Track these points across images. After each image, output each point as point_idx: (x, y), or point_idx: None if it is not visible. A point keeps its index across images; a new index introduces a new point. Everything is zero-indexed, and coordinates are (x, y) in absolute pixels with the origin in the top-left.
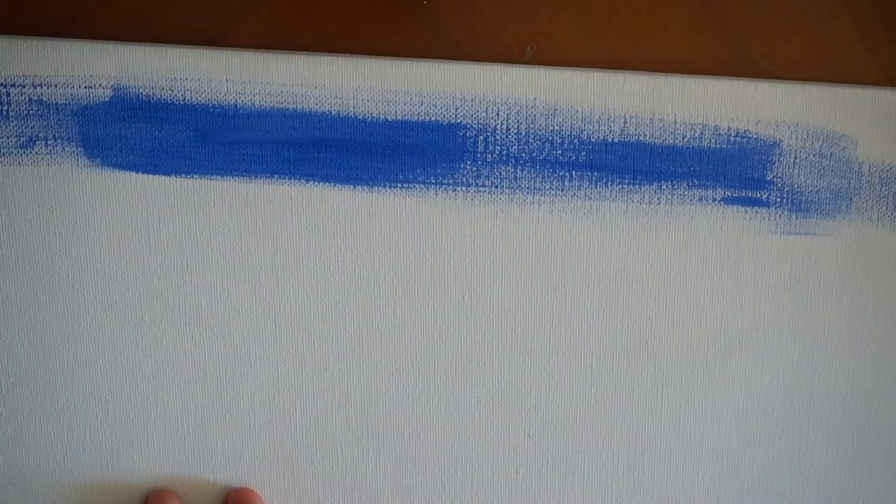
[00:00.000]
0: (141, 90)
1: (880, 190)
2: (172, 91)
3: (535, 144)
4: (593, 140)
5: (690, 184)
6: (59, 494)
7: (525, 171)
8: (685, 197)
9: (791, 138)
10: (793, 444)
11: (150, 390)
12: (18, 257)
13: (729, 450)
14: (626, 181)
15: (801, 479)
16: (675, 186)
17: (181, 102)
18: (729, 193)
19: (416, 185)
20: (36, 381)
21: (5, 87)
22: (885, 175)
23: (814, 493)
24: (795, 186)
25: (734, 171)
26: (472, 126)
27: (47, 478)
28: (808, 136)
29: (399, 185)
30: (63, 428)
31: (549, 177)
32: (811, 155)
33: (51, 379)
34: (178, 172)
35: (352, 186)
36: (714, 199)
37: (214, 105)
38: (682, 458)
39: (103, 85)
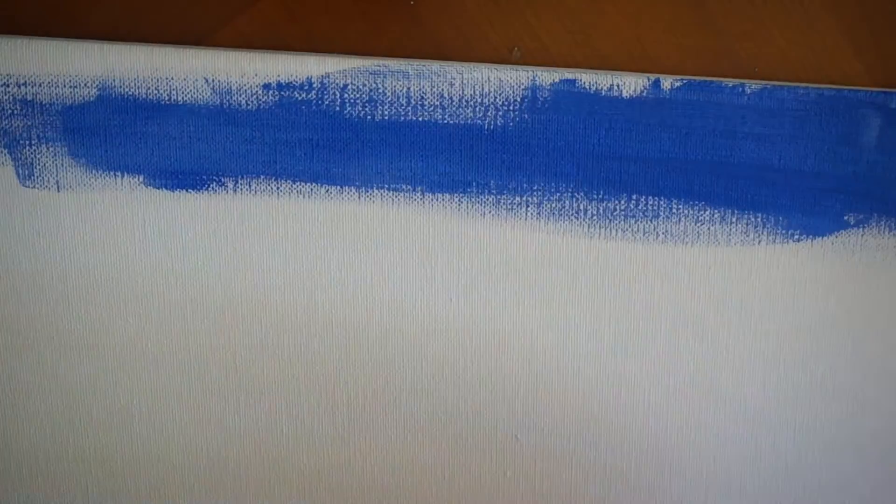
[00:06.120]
0: (127, 90)
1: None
2: (158, 91)
3: (522, 145)
4: (580, 142)
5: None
6: (42, 497)
7: (513, 173)
8: (674, 198)
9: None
10: (781, 443)
11: (133, 392)
12: (2, 257)
13: (717, 450)
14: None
15: (789, 479)
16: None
17: (167, 102)
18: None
19: (403, 186)
20: (18, 384)
21: None
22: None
23: (801, 493)
24: (785, 190)
25: None
26: (459, 126)
27: (29, 481)
28: (793, 140)
29: (386, 185)
30: (45, 431)
31: (537, 178)
32: (797, 160)
33: (33, 381)
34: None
35: (339, 187)
36: (703, 201)
37: (201, 105)
38: (671, 458)
39: (89, 84)
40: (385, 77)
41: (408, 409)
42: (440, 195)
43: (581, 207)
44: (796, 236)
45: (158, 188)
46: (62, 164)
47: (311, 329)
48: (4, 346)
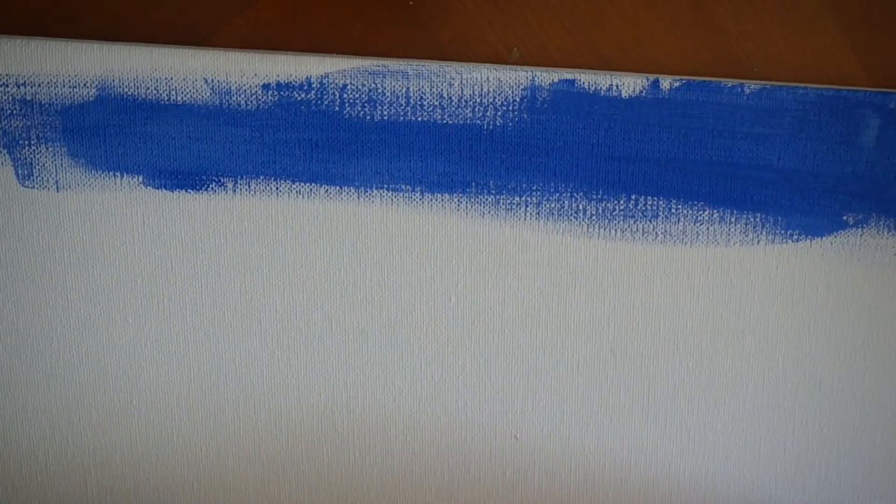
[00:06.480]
0: (126, 90)
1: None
2: (158, 91)
3: (521, 146)
4: (579, 142)
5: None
6: (41, 498)
7: (512, 173)
8: (672, 198)
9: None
10: (779, 443)
11: (133, 393)
12: (2, 257)
13: (716, 450)
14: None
15: (789, 479)
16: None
17: (166, 102)
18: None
19: (403, 186)
20: (18, 383)
21: None
22: (874, 178)
23: (800, 492)
24: (784, 190)
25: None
26: (458, 127)
27: (28, 481)
28: (792, 140)
29: (385, 185)
30: (45, 431)
31: (536, 178)
32: (796, 160)
33: (33, 381)
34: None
35: (338, 187)
36: (702, 201)
37: (200, 105)
38: (669, 458)
39: (88, 84)
40: (384, 77)
41: (407, 409)
42: (439, 195)
43: (580, 207)
44: (795, 236)
45: (158, 188)
46: (62, 164)
47: (311, 329)
48: (4, 345)
